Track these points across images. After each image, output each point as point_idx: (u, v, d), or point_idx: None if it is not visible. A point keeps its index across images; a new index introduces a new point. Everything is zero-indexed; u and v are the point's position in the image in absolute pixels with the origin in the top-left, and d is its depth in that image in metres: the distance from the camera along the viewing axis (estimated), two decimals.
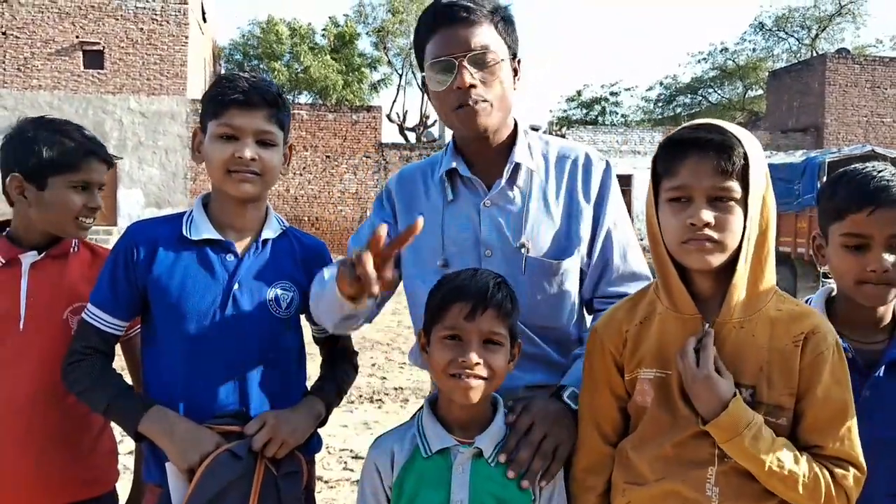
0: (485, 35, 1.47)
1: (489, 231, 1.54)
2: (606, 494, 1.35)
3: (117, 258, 1.52)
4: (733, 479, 1.22)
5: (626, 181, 21.39)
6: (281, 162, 1.57)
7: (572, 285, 1.57)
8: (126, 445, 3.03)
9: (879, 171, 1.40)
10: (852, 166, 1.47)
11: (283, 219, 1.67)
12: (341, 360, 1.74)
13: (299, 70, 29.07)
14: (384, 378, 6.49)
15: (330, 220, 21.18)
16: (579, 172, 1.60)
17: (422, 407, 1.43)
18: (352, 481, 3.94)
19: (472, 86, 1.45)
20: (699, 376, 1.20)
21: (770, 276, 1.26)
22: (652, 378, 1.29)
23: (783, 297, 1.28)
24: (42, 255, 1.66)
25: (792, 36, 36.35)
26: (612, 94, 37.80)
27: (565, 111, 38.94)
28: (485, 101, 1.47)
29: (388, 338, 8.53)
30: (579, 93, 38.60)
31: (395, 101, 32.46)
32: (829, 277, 1.53)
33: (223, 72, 24.88)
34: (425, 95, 1.63)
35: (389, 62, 32.44)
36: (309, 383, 1.66)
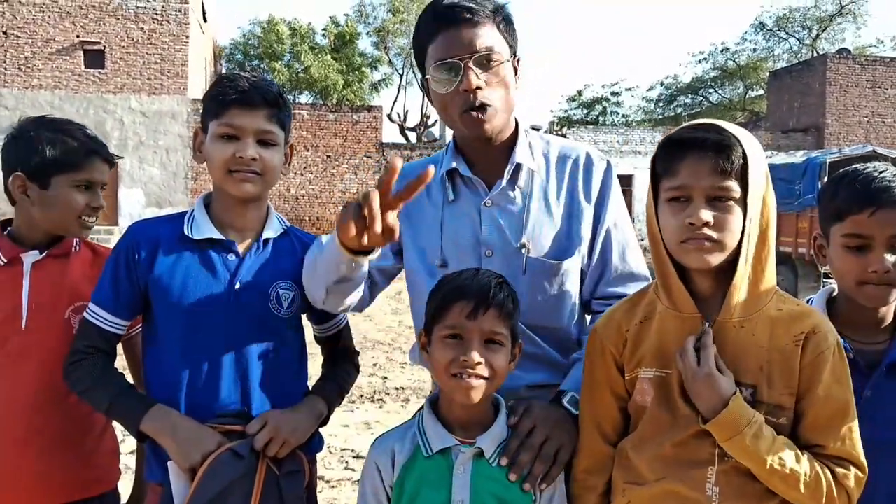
0: (489, 35, 1.46)
1: (490, 231, 1.54)
2: (607, 495, 1.35)
3: (119, 257, 1.52)
4: (734, 479, 1.22)
5: (626, 181, 21.38)
6: (282, 162, 1.57)
7: (573, 286, 1.57)
8: (128, 445, 3.03)
9: (881, 172, 1.40)
10: (853, 167, 1.47)
11: (283, 218, 1.67)
12: (342, 360, 1.74)
13: (300, 70, 29.07)
14: (385, 378, 6.49)
15: (331, 220, 21.17)
16: (580, 172, 1.60)
17: (423, 406, 1.43)
18: (353, 481, 3.94)
19: (478, 88, 1.44)
20: (700, 374, 1.20)
21: (771, 276, 1.26)
22: (652, 377, 1.29)
23: (784, 297, 1.28)
24: (44, 254, 1.66)
25: (793, 36, 36.33)
26: (613, 94, 37.82)
27: (566, 111, 38.94)
28: (491, 103, 1.46)
29: (389, 337, 8.53)
30: (580, 93, 38.62)
31: (395, 100, 32.49)
32: (830, 278, 1.53)
33: (224, 71, 24.85)
34: (425, 97, 1.61)
35: (390, 62, 32.45)
36: (310, 383, 1.66)
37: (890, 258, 1.37)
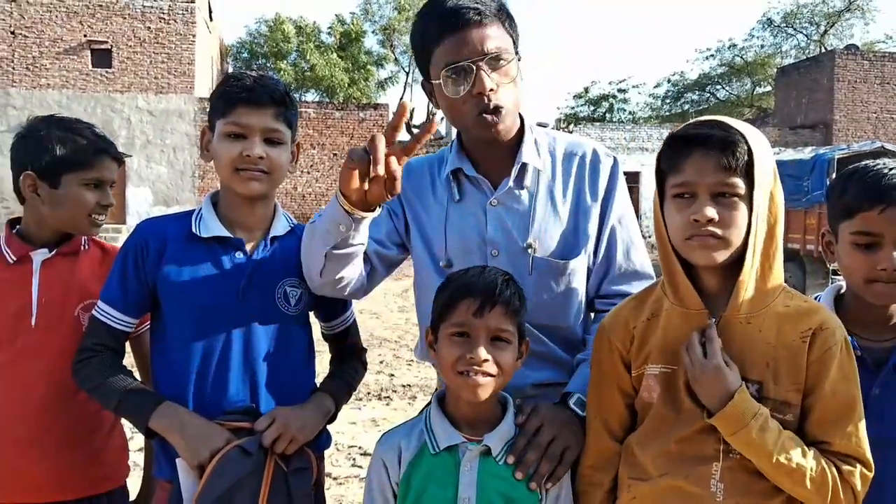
0: (497, 35, 1.44)
1: (495, 231, 1.54)
2: (613, 491, 1.35)
3: (127, 255, 1.53)
4: (738, 476, 1.21)
5: (633, 178, 21.31)
6: (289, 160, 1.57)
7: (579, 285, 1.56)
8: (136, 442, 3.05)
9: (891, 169, 1.39)
10: (863, 163, 1.46)
11: (290, 216, 1.67)
12: (350, 357, 1.74)
13: (306, 68, 29.10)
14: (392, 375, 6.49)
15: None
16: (587, 170, 1.58)
17: (429, 403, 1.43)
18: (360, 478, 3.95)
19: (491, 90, 1.42)
20: (708, 367, 1.20)
21: (778, 273, 1.26)
22: (658, 374, 1.29)
23: (791, 293, 1.28)
24: (53, 252, 1.67)
25: (800, 32, 36.14)
26: (619, 90, 37.70)
27: (573, 108, 38.86)
28: (503, 105, 1.44)
29: (396, 335, 8.54)
30: (587, 89, 38.50)
31: (401, 98, 32.48)
32: (838, 274, 1.52)
33: (230, 70, 24.93)
34: (430, 101, 1.57)
35: (396, 60, 32.45)
36: (318, 380, 1.66)
37: None
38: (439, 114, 1.39)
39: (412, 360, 6.94)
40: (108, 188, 1.72)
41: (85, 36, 20.59)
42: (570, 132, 21.72)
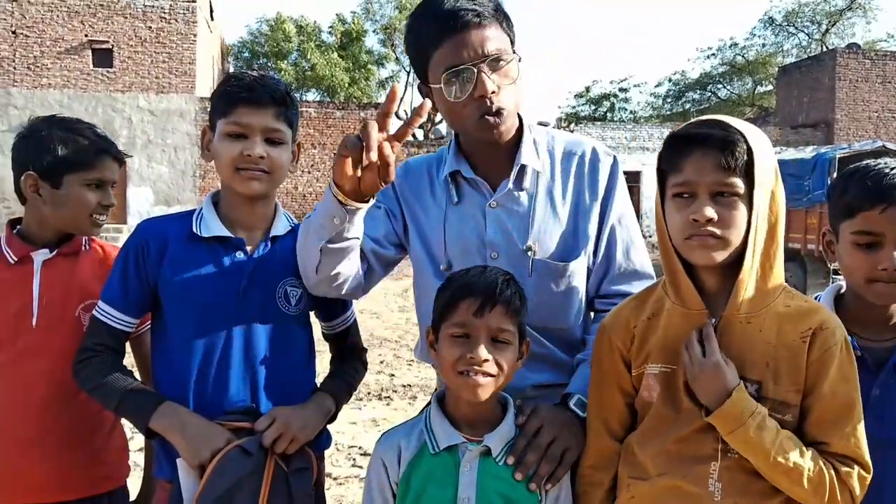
0: (496, 36, 1.43)
1: (495, 233, 1.53)
2: (613, 491, 1.35)
3: (128, 255, 1.53)
4: (736, 476, 1.21)
5: (634, 178, 21.31)
6: (289, 160, 1.57)
7: (579, 286, 1.56)
8: (137, 442, 3.05)
9: (892, 168, 1.39)
10: (864, 162, 1.46)
11: (291, 216, 1.67)
12: (350, 357, 1.75)
13: (307, 68, 29.11)
14: (392, 375, 6.50)
15: None
16: (586, 170, 1.58)
17: (429, 403, 1.43)
18: (360, 478, 3.95)
19: (493, 92, 1.41)
20: (707, 364, 1.20)
21: (779, 272, 1.26)
22: (657, 373, 1.29)
23: (792, 293, 1.28)
24: (54, 252, 1.67)
25: (802, 31, 36.11)
26: (621, 90, 37.70)
27: (574, 107, 38.87)
28: (505, 107, 1.44)
29: (396, 335, 8.54)
30: (588, 89, 38.52)
31: (402, 98, 32.45)
32: (839, 274, 1.52)
33: (231, 70, 24.95)
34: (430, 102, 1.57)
35: (397, 59, 32.43)
36: (318, 380, 1.66)
37: None
38: (428, 102, 1.38)
39: (412, 360, 6.94)
40: (109, 188, 1.72)
41: (86, 35, 20.61)
42: (571, 131, 21.72)
